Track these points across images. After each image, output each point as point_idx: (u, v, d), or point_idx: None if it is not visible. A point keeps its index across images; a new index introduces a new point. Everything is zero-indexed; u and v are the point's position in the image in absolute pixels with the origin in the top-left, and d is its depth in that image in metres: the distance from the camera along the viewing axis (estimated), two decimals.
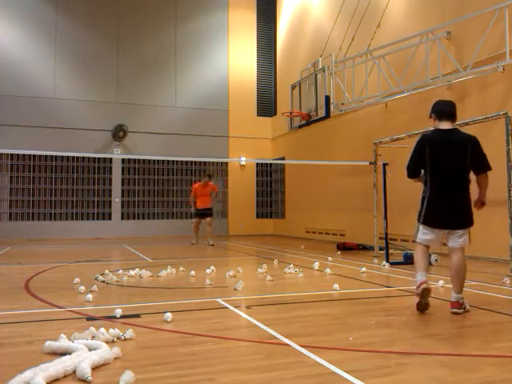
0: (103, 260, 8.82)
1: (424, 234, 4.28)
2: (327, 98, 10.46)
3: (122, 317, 3.94)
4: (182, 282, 6.09)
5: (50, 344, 3.00)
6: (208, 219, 12.26)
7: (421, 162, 4.28)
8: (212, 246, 11.71)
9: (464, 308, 4.14)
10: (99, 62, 15.64)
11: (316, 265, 7.23)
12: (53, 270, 7.14)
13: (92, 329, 3.29)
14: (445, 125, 4.26)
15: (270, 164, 17.62)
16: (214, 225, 16.55)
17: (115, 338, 3.25)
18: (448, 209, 4.14)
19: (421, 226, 4.30)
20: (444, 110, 4.31)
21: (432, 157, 4.19)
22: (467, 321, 3.91)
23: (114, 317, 3.92)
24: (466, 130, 8.34)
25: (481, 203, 4.29)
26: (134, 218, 15.91)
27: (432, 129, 4.39)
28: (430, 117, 4.38)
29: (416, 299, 4.11)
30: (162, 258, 8.84)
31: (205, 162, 16.52)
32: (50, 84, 15.08)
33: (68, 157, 14.93)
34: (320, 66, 11.06)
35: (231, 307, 4.41)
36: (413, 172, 4.37)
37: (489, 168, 4.20)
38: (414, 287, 4.13)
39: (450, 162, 4.14)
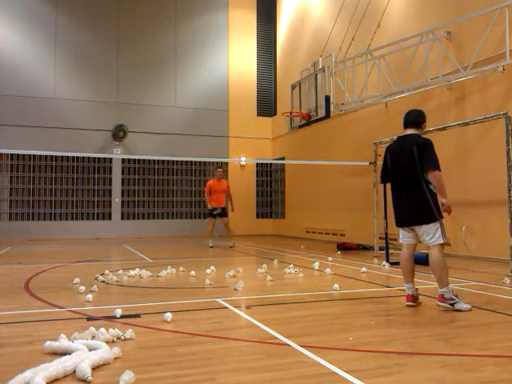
0: (103, 260, 8.82)
1: (400, 234, 4.67)
2: (327, 98, 10.46)
3: (122, 317, 3.94)
4: (182, 281, 6.09)
5: (49, 344, 3.00)
6: (224, 219, 11.59)
7: (386, 169, 4.69)
8: (231, 248, 11.19)
9: (453, 305, 4.18)
10: (99, 62, 15.64)
11: (316, 265, 7.23)
12: (53, 270, 7.14)
13: (92, 329, 3.29)
14: (408, 132, 4.58)
15: (270, 164, 17.61)
16: (215, 225, 16.61)
17: (115, 338, 3.25)
18: (402, 208, 4.50)
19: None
20: (407, 118, 4.61)
21: (391, 163, 4.61)
22: (467, 321, 3.91)
23: (114, 317, 3.93)
24: (466, 130, 8.41)
25: (442, 206, 4.33)
26: (133, 218, 15.91)
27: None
28: None
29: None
30: (162, 258, 8.84)
31: (205, 162, 16.51)
32: (50, 84, 15.08)
33: (68, 157, 14.93)
34: (320, 66, 11.05)
35: (231, 307, 4.41)
36: (381, 178, 4.82)
37: (431, 167, 4.27)
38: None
39: (401, 165, 4.48)
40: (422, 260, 7.67)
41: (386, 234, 8.23)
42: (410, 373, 2.66)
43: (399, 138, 4.64)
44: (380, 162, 8.72)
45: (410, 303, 4.40)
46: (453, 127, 7.77)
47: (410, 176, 4.40)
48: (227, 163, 17.02)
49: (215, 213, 11.55)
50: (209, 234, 11.59)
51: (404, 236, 4.60)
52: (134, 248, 11.24)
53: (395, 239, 9.92)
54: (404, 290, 4.55)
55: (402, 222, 4.56)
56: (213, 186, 11.54)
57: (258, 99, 17.59)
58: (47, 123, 14.82)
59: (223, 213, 11.62)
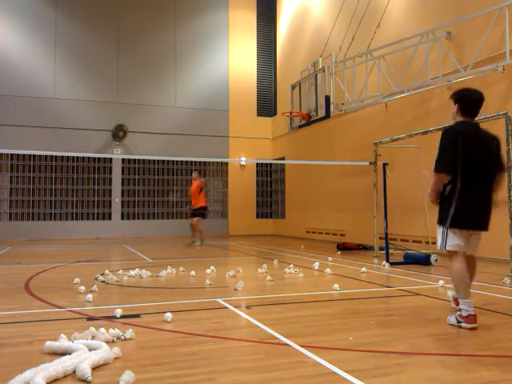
0: (103, 260, 8.82)
1: (456, 239, 3.72)
2: (327, 98, 10.46)
3: (122, 317, 3.94)
4: (182, 282, 6.09)
5: (49, 344, 3.00)
6: (193, 219, 12.13)
7: (456, 156, 3.68)
8: (188, 246, 11.61)
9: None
10: (99, 62, 15.64)
11: (316, 265, 7.23)
12: (53, 270, 7.14)
13: (92, 329, 3.29)
14: (469, 119, 3.88)
15: (270, 164, 17.62)
16: (215, 225, 16.62)
17: (115, 338, 3.25)
18: (480, 208, 3.75)
19: (450, 231, 3.72)
20: (482, 102, 3.89)
21: (466, 151, 3.68)
22: None
23: (114, 317, 3.92)
24: None
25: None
26: (133, 218, 15.90)
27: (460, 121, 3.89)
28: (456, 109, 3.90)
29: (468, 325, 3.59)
30: (162, 258, 8.84)
31: (205, 162, 16.51)
32: (50, 84, 15.08)
33: (68, 157, 14.93)
34: (320, 66, 11.05)
35: (231, 307, 4.41)
36: (448, 167, 3.70)
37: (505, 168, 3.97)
38: (459, 313, 3.64)
39: (487, 156, 3.78)
40: (422, 260, 7.69)
41: (386, 233, 8.24)
42: (410, 373, 2.66)
43: (473, 124, 3.86)
44: (380, 162, 8.78)
45: (475, 325, 3.55)
46: None
47: (491, 173, 3.79)
48: (227, 163, 17.02)
49: (192, 213, 12.34)
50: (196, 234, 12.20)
51: (461, 242, 3.72)
52: (133, 248, 11.24)
53: (395, 239, 9.94)
54: (405, 290, 4.52)
55: (478, 224, 3.77)
56: (190, 188, 12.52)
57: (258, 99, 17.60)
58: (47, 123, 14.82)
59: (195, 213, 12.13)
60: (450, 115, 4.00)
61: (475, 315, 3.57)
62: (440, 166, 3.70)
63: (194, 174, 12.43)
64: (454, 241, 3.71)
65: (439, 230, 3.79)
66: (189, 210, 12.63)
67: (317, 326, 3.69)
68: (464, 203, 3.69)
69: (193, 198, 12.18)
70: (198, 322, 3.86)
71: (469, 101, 3.84)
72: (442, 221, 3.77)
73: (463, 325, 3.57)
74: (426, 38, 9.17)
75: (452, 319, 3.69)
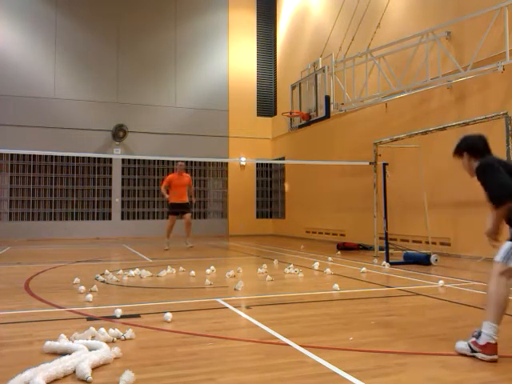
0: (103, 260, 8.82)
1: None
2: (327, 98, 10.46)
3: (122, 317, 3.94)
4: (182, 282, 6.09)
5: (49, 344, 3.00)
6: (187, 216, 11.04)
7: (506, 174, 3.03)
8: (191, 248, 10.87)
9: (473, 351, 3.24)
10: (99, 62, 15.64)
11: (316, 265, 7.23)
12: (53, 270, 7.14)
13: (92, 329, 3.29)
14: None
15: (270, 164, 17.62)
16: (215, 225, 16.65)
17: (115, 338, 3.25)
18: None
19: None
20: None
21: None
22: (467, 321, 3.91)
23: (114, 317, 3.92)
24: (466, 130, 8.40)
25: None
26: (133, 218, 15.90)
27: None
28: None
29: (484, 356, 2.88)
30: (162, 258, 8.84)
31: (205, 162, 16.52)
32: (50, 84, 15.08)
33: (68, 157, 14.93)
34: (320, 66, 11.05)
35: (231, 307, 4.41)
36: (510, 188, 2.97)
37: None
38: (474, 340, 2.93)
39: None
40: (422, 260, 7.69)
41: (386, 233, 8.23)
42: (410, 373, 2.66)
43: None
44: (380, 162, 8.78)
45: (496, 357, 2.85)
46: (453, 127, 7.77)
47: None
48: (227, 163, 17.03)
49: (177, 210, 11.01)
50: (167, 235, 11.00)
51: None
52: (133, 248, 11.24)
53: (395, 239, 9.94)
54: (405, 290, 4.53)
55: None
56: (172, 180, 10.89)
57: (258, 99, 17.59)
58: (47, 123, 14.82)
59: (185, 209, 11.04)
60: (467, 173, 3.38)
61: (496, 344, 2.85)
62: (500, 196, 2.97)
63: (182, 165, 11.07)
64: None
65: (507, 244, 3.11)
66: (168, 207, 11.28)
67: (317, 326, 3.69)
68: None
69: (181, 192, 10.87)
70: (198, 321, 3.86)
71: (473, 146, 3.36)
72: None
73: (480, 356, 2.86)
74: (425, 38, 9.17)
75: (462, 346, 3.02)
